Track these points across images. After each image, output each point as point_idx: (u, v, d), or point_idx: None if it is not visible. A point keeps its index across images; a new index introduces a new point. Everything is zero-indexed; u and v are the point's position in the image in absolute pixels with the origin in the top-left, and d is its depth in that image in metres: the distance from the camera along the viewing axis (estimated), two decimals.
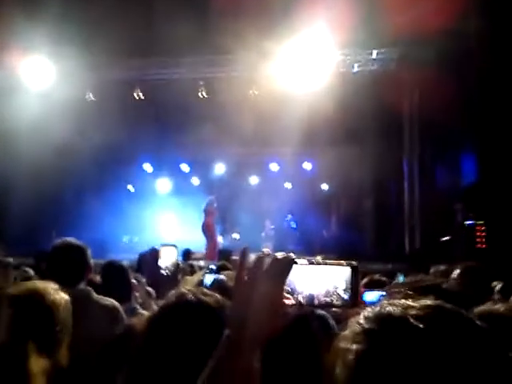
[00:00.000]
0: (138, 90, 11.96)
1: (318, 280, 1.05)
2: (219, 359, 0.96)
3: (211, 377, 0.95)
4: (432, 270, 3.95)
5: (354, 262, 1.06)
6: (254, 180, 16.07)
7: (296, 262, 1.02)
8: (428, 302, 0.84)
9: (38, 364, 1.74)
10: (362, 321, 0.84)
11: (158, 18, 9.03)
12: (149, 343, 1.31)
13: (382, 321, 0.83)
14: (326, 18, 9.31)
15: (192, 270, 5.19)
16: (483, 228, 8.75)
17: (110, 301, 2.83)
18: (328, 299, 1.05)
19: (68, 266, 3.10)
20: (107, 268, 3.44)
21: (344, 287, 1.05)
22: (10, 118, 10.77)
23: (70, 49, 10.48)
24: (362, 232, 13.33)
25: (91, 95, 11.95)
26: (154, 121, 12.53)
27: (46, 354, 1.80)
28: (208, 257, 11.00)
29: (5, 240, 11.45)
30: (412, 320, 0.80)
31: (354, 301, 1.05)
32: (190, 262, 6.87)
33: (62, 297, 1.96)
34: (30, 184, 11.47)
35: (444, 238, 9.58)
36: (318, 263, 1.06)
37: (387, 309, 0.84)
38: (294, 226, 14.67)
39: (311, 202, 14.81)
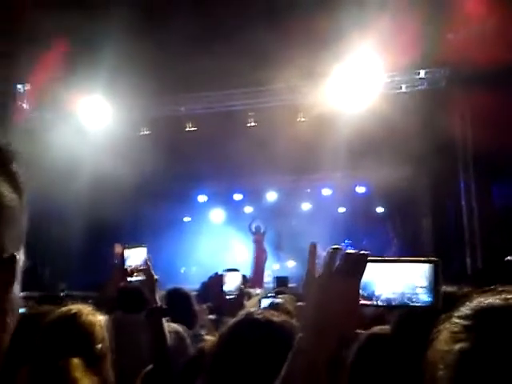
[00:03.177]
0: (190, 124, 12.29)
1: (394, 279, 0.95)
2: (292, 361, 0.92)
3: (285, 378, 0.92)
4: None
5: (435, 259, 0.96)
6: (306, 206, 16.00)
7: (369, 259, 0.94)
8: None
9: (85, 380, 1.78)
10: (459, 319, 0.78)
11: (205, 55, 9.31)
12: (221, 359, 1.37)
13: (483, 314, 0.76)
14: (374, 41, 9.32)
15: (249, 297, 5.22)
16: None
17: (174, 326, 2.90)
18: (406, 300, 0.94)
19: (133, 293, 3.23)
20: (172, 295, 3.51)
21: (424, 286, 0.94)
22: (69, 156, 11.23)
23: (124, 89, 10.94)
24: (422, 253, 12.95)
25: (145, 131, 12.38)
26: (206, 152, 12.80)
27: (92, 372, 1.85)
28: (253, 284, 10.93)
29: (64, 274, 11.90)
30: None
31: (438, 302, 0.93)
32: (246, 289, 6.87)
33: (97, 317, 1.99)
34: (88, 221, 11.87)
35: (508, 258, 9.20)
36: (393, 261, 0.97)
37: (486, 302, 0.77)
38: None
39: (366, 225, 14.58)
